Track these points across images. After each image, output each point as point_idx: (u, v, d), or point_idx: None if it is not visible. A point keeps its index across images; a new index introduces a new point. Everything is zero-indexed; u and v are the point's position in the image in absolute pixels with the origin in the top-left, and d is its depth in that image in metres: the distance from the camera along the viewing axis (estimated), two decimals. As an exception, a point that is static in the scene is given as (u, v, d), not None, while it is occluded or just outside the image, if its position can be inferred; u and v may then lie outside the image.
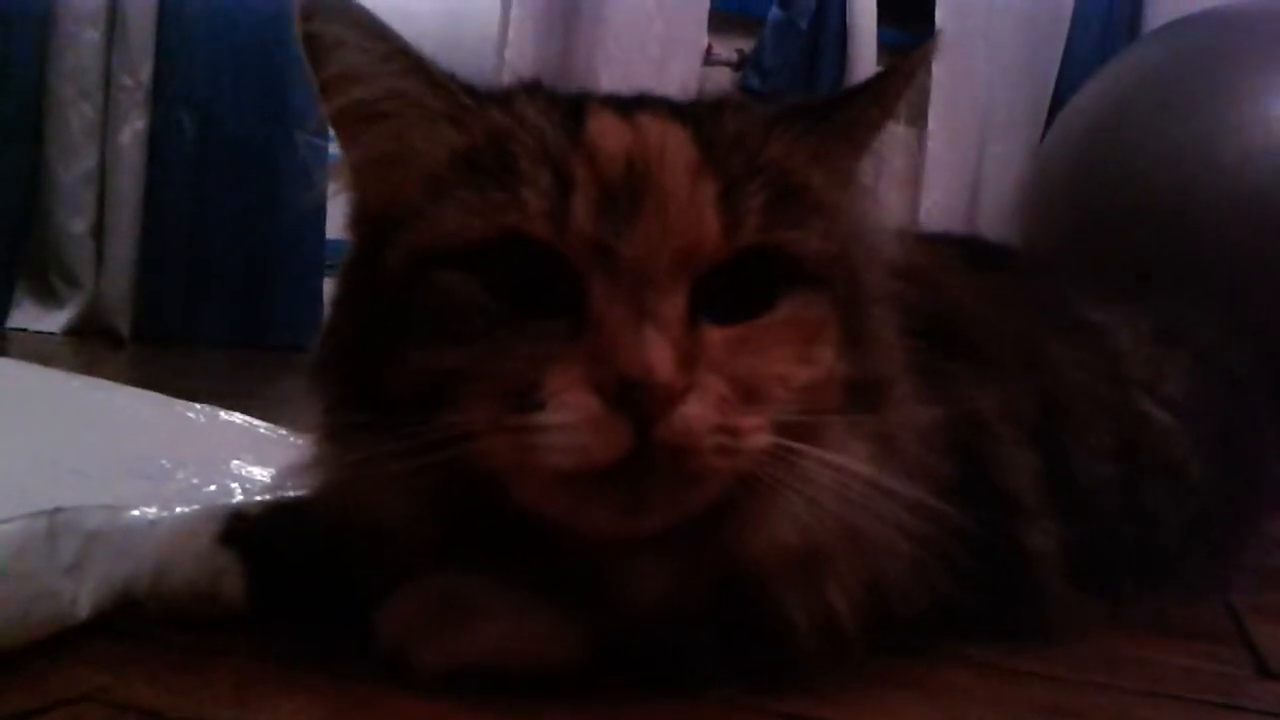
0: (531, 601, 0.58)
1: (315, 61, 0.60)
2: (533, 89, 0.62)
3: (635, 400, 0.50)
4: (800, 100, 0.64)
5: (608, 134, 0.57)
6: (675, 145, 0.56)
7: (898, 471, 0.60)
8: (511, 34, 2.67)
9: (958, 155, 2.98)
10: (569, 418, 0.51)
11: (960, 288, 0.84)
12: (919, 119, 2.98)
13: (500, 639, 0.57)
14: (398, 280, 0.57)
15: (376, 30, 0.60)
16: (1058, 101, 2.92)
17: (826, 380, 0.58)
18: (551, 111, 0.59)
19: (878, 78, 0.66)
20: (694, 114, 0.60)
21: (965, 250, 0.98)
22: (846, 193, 0.64)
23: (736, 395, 0.53)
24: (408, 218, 0.58)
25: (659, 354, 0.50)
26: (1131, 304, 1.01)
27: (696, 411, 0.51)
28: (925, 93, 2.93)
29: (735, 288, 0.56)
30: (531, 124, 0.58)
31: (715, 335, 0.55)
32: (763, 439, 0.54)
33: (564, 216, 0.54)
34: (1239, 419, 1.00)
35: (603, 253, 0.53)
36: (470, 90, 0.61)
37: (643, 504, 0.53)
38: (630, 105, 0.61)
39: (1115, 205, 2.34)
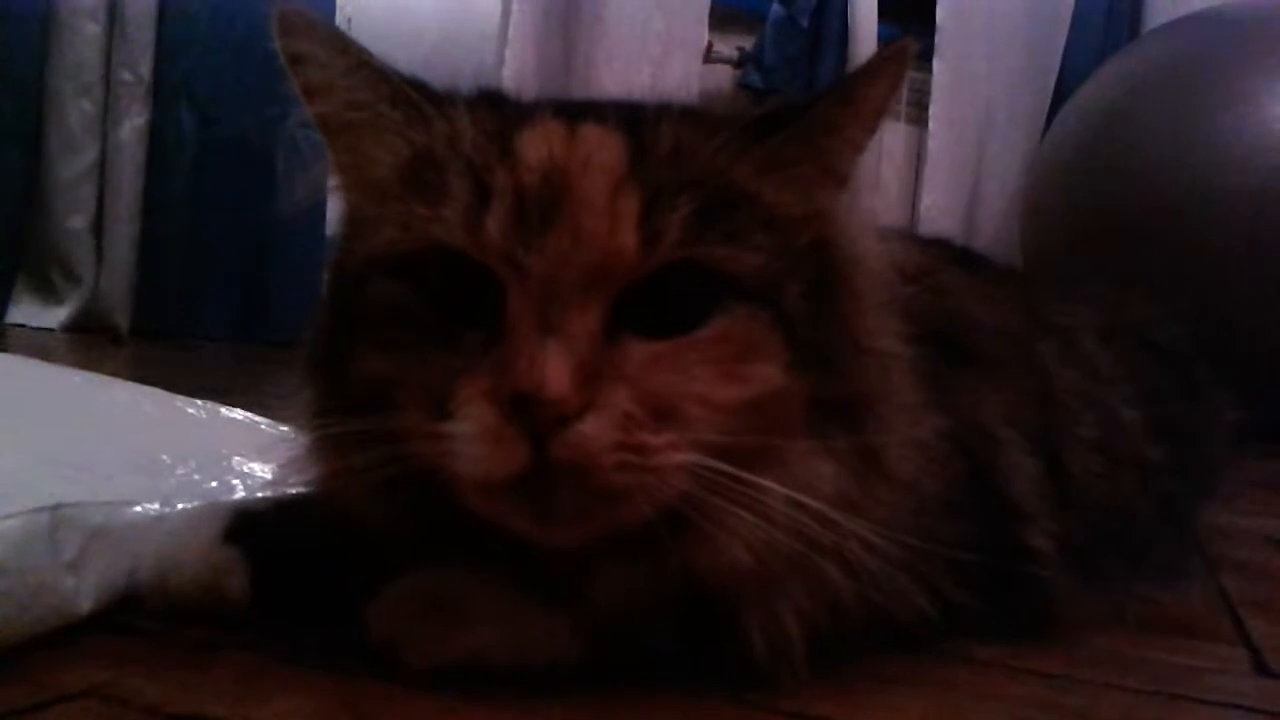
0: (519, 599, 0.58)
1: (292, 73, 0.63)
2: (480, 99, 0.62)
3: (529, 415, 0.50)
4: (762, 108, 0.62)
5: (534, 144, 0.56)
6: (603, 155, 0.56)
7: (880, 484, 0.59)
8: (512, 31, 2.67)
9: (958, 154, 2.98)
10: (470, 429, 0.52)
11: (961, 290, 0.85)
12: (919, 119, 2.98)
13: (489, 636, 0.57)
14: (350, 285, 0.60)
15: (339, 45, 0.62)
16: (1058, 100, 2.92)
17: (769, 400, 0.56)
18: (487, 122, 0.59)
19: (838, 82, 0.63)
20: (638, 120, 0.59)
21: (948, 251, 0.99)
22: (812, 202, 0.61)
23: (649, 413, 0.52)
24: (362, 225, 0.60)
25: (554, 370, 0.50)
26: (1079, 301, 1.02)
27: (593, 429, 0.51)
28: (925, 92, 2.93)
29: (664, 302, 0.55)
30: (464, 135, 0.58)
31: (637, 351, 0.54)
32: (676, 457, 0.52)
33: (480, 228, 0.54)
34: (1183, 398, 1.01)
35: (516, 264, 0.53)
36: (435, 99, 0.61)
37: (552, 517, 0.53)
38: (583, 113, 0.60)
39: (1114, 205, 2.34)
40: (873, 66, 0.62)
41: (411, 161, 0.59)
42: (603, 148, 0.56)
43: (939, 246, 1.01)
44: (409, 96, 0.61)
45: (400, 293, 0.57)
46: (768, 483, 0.54)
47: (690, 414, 0.53)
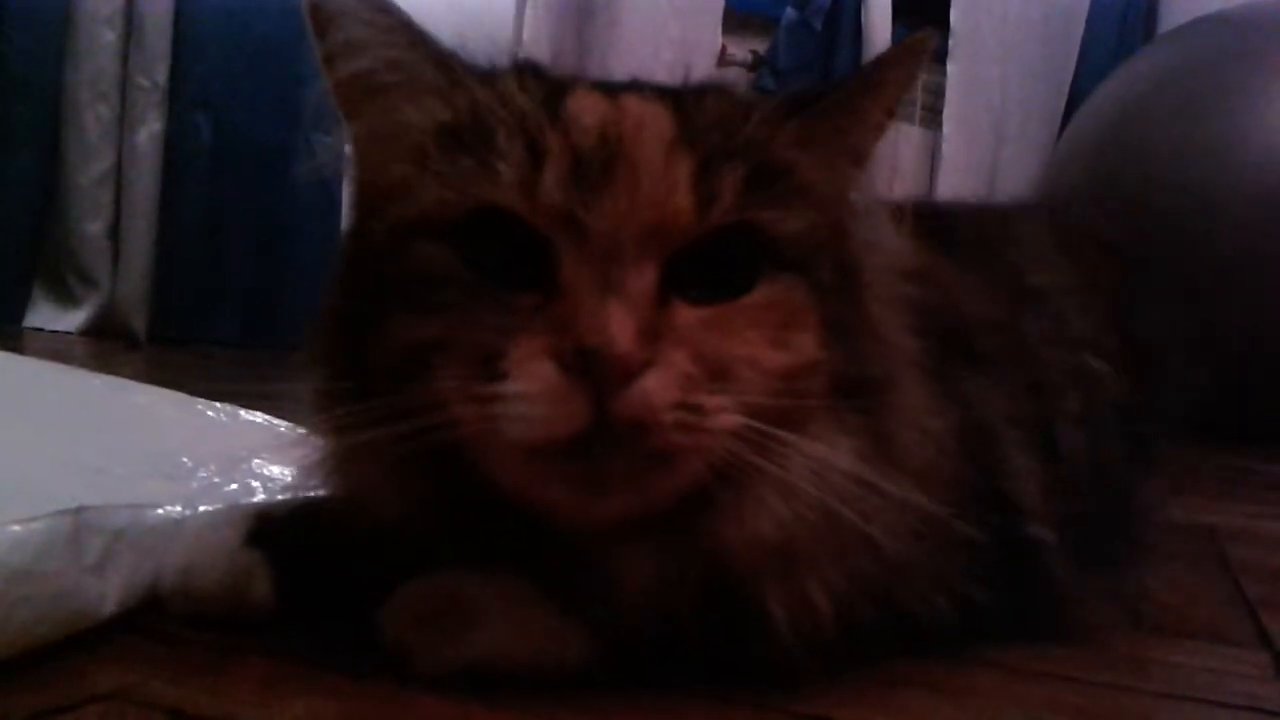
0: (532, 600, 0.58)
1: (320, 33, 0.61)
2: (523, 68, 0.62)
3: (593, 371, 0.50)
4: (795, 89, 0.63)
5: (585, 109, 0.57)
6: (653, 121, 0.56)
7: (892, 470, 0.59)
8: (526, 36, 2.68)
9: (972, 157, 2.97)
10: (529, 387, 0.51)
11: (958, 286, 0.84)
12: (933, 121, 2.97)
13: (500, 639, 0.57)
14: (381, 252, 0.58)
15: (380, 3, 0.61)
16: (1073, 103, 2.92)
17: (806, 369, 0.57)
18: (535, 88, 0.59)
19: (864, 66, 0.66)
20: (677, 95, 0.60)
21: (930, 229, 0.97)
22: (837, 182, 0.63)
23: (703, 374, 0.53)
24: (395, 191, 0.59)
25: (619, 324, 0.50)
26: (1050, 253, 0.99)
27: (656, 386, 0.51)
28: (940, 95, 2.93)
29: (711, 268, 0.55)
30: (512, 99, 0.58)
31: (687, 314, 0.54)
32: (729, 419, 0.53)
33: (535, 187, 0.54)
34: (1143, 307, 1.00)
35: (572, 224, 0.53)
36: (466, 67, 0.61)
37: (604, 482, 0.53)
38: (619, 88, 0.61)
39: (1130, 206, 2.33)
40: (896, 53, 0.64)
41: (452, 125, 0.59)
42: (651, 114, 0.57)
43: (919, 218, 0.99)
44: (448, 60, 0.61)
45: (444, 256, 0.56)
46: (807, 441, 0.55)
47: (741, 376, 0.54)
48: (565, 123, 0.56)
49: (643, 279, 0.53)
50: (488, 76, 0.61)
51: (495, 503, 0.56)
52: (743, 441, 0.53)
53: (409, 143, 0.60)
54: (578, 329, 0.50)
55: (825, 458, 0.56)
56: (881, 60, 0.65)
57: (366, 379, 0.57)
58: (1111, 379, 0.89)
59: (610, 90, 0.60)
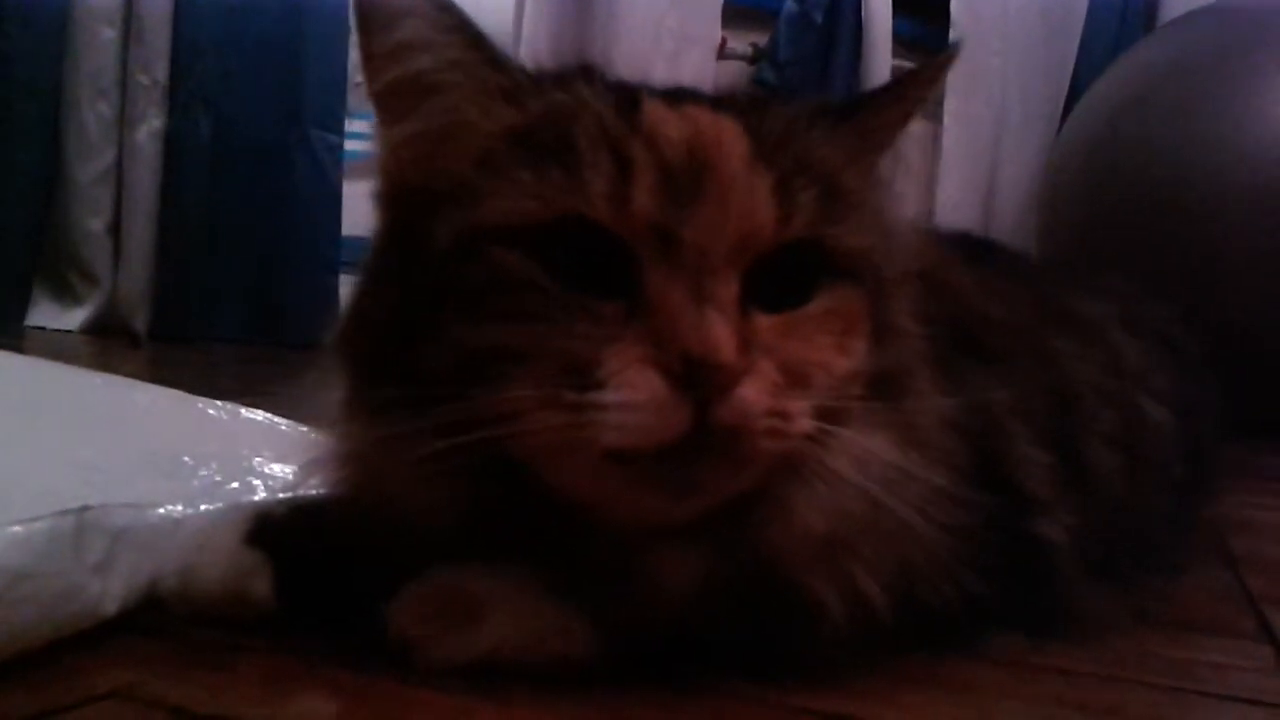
0: (538, 597, 0.58)
1: (371, 30, 0.60)
2: (588, 73, 0.62)
3: (699, 380, 0.51)
4: (827, 100, 0.65)
5: (666, 120, 0.57)
6: (730, 136, 0.57)
7: (920, 458, 0.61)
8: (526, 28, 2.67)
9: (973, 150, 2.96)
10: (633, 396, 0.51)
11: (966, 286, 0.85)
12: (934, 114, 2.96)
13: (505, 634, 0.57)
14: (445, 256, 0.57)
15: (443, 2, 0.60)
16: (1073, 96, 2.91)
17: (862, 371, 0.59)
18: (607, 95, 0.59)
19: (900, 81, 0.68)
20: (738, 108, 0.61)
21: (959, 246, 1.00)
22: (868, 188, 0.65)
23: (785, 381, 0.54)
24: (457, 193, 0.57)
25: (722, 335, 0.51)
26: (1099, 292, 1.04)
27: (753, 394, 0.52)
28: (940, 88, 2.92)
29: (780, 278, 0.57)
30: (589, 106, 0.58)
31: (765, 322, 0.56)
32: (807, 423, 0.55)
33: (624, 199, 0.54)
34: (1196, 401, 1.03)
35: (662, 236, 0.54)
36: (525, 70, 0.61)
37: (693, 486, 0.54)
38: (674, 96, 0.62)
39: (1131, 200, 2.33)
40: (925, 72, 0.68)
41: (525, 129, 0.58)
42: (727, 129, 0.58)
43: (953, 242, 1.02)
44: (509, 62, 0.61)
45: (524, 263, 0.55)
46: (850, 434, 0.57)
47: (816, 381, 0.56)
48: (648, 133, 0.56)
49: (730, 290, 0.54)
50: (554, 79, 0.61)
51: (539, 504, 0.56)
52: (810, 442, 0.55)
53: (471, 145, 0.59)
54: (681, 339, 0.51)
55: (868, 449, 0.58)
56: (909, 78, 0.67)
57: (415, 386, 0.55)
58: (1166, 432, 0.91)
59: (672, 99, 0.60)
